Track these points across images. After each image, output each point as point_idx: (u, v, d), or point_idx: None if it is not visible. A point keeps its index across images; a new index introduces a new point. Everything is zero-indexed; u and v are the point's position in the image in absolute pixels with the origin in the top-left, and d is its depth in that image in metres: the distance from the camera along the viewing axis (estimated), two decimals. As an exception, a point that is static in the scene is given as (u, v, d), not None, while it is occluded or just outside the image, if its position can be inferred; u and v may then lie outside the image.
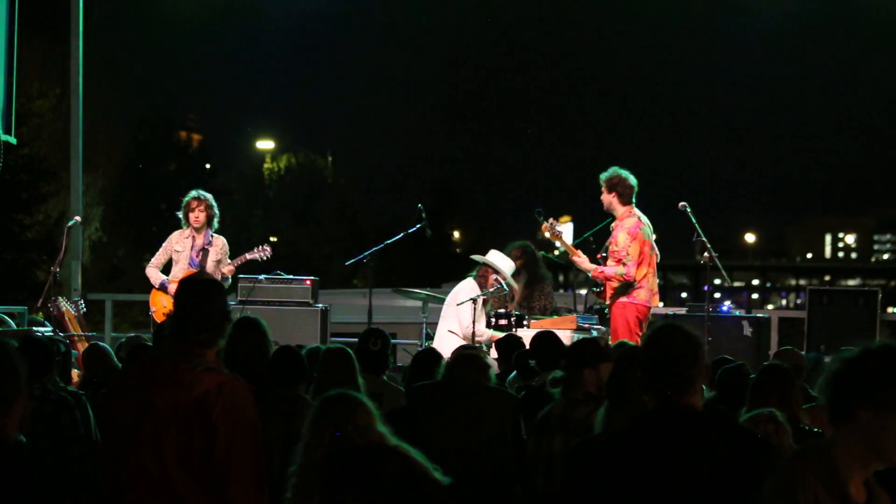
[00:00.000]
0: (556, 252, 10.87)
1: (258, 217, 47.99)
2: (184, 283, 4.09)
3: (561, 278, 39.01)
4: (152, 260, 10.52)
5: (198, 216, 10.32)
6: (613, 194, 9.77)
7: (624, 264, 9.55)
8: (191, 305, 3.88)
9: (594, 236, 10.22)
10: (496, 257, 10.42)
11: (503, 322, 10.19)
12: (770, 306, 77.75)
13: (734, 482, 3.39)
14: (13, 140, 12.18)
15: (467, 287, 10.32)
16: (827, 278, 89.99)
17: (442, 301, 10.69)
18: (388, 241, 11.22)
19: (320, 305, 10.99)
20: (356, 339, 10.41)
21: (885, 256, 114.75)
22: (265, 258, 10.49)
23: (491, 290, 10.22)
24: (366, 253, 11.15)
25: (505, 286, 10.25)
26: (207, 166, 46.38)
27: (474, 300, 10.02)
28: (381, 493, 3.73)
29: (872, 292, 11.44)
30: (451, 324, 10.20)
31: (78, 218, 12.44)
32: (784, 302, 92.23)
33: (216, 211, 10.48)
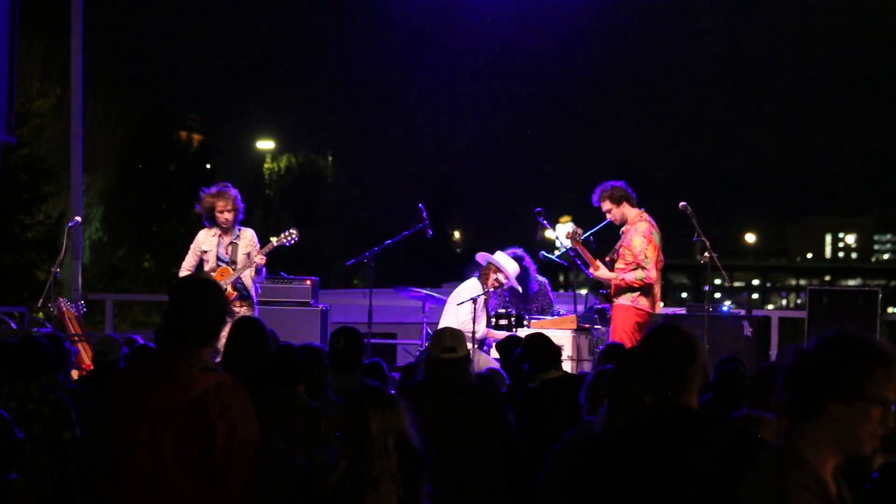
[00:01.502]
0: (557, 252, 10.86)
1: (258, 217, 47.98)
2: (180, 282, 4.09)
3: (561, 278, 39.02)
4: (183, 264, 9.92)
5: (227, 217, 9.75)
6: (623, 203, 9.71)
7: (643, 268, 9.50)
8: (187, 305, 3.86)
9: (594, 236, 10.20)
10: (502, 258, 10.44)
11: (503, 322, 10.19)
12: (770, 306, 77.87)
13: (730, 480, 3.40)
14: (13, 140, 12.19)
15: (469, 287, 10.37)
16: (827, 278, 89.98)
17: (442, 301, 10.73)
18: (389, 241, 11.21)
19: (320, 305, 10.98)
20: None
21: (886, 256, 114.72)
22: (293, 242, 9.99)
23: (491, 288, 10.25)
24: (366, 253, 11.15)
25: (506, 285, 10.28)
26: (208, 166, 46.35)
27: (474, 300, 10.04)
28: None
29: (873, 292, 11.40)
30: (451, 323, 10.21)
31: (78, 218, 12.44)
32: (784, 302, 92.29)
33: (240, 204, 9.88)
